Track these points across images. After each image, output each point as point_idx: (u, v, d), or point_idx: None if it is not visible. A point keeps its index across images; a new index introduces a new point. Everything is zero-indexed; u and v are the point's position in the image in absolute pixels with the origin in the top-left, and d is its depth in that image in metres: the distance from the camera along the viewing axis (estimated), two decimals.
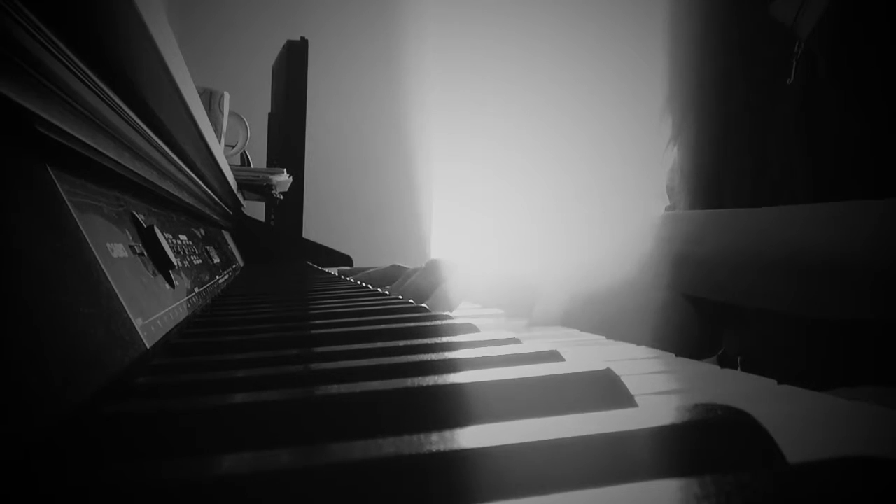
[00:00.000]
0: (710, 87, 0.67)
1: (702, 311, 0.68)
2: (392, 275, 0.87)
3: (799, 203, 0.57)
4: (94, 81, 0.32)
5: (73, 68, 0.29)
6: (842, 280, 0.46)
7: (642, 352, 0.36)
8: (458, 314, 0.60)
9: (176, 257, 0.47)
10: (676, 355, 0.35)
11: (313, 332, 0.38)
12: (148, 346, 0.30)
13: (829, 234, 0.47)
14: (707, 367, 0.32)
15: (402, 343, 0.31)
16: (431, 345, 0.31)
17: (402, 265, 0.89)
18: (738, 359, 0.70)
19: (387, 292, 0.65)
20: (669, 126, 0.72)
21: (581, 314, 0.57)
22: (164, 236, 0.45)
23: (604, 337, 0.43)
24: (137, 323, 0.30)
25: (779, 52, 0.61)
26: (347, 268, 0.97)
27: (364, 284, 0.77)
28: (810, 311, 0.50)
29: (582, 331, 0.48)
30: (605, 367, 0.22)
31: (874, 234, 0.45)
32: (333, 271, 1.09)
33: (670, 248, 0.53)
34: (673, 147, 0.72)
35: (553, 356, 0.26)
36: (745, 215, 0.52)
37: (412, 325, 0.38)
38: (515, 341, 0.31)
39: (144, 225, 0.42)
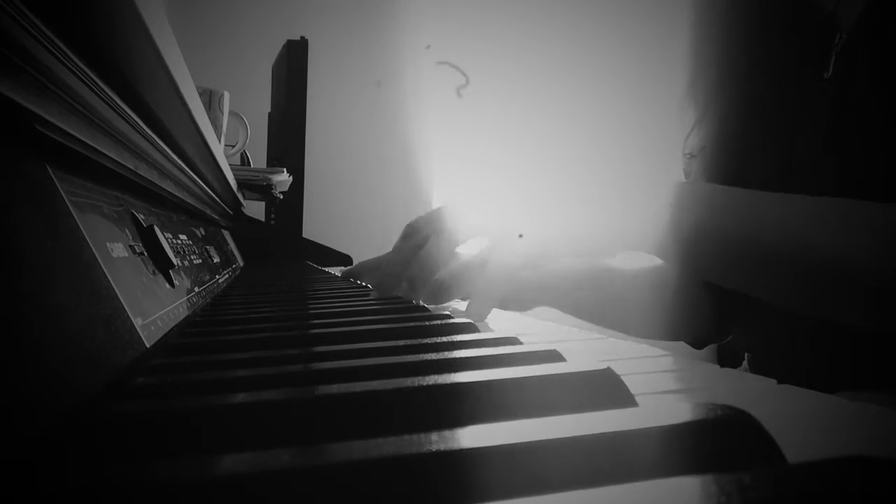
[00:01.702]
0: (738, 73, 0.63)
1: (712, 294, 0.66)
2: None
3: None
4: (94, 81, 0.31)
5: (73, 68, 0.29)
6: (842, 284, 0.44)
7: (642, 351, 0.36)
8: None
9: (176, 257, 0.47)
10: (688, 343, 0.35)
11: (313, 331, 0.38)
12: (148, 346, 0.30)
13: (837, 234, 0.45)
14: (708, 367, 0.32)
15: (401, 343, 0.31)
16: (431, 344, 0.31)
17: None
18: (746, 356, 0.69)
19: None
20: (691, 112, 0.68)
21: (554, 295, 0.55)
22: (164, 236, 0.45)
23: (603, 336, 0.43)
24: (137, 322, 0.30)
25: (816, 42, 0.57)
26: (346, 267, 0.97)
27: (364, 284, 0.77)
28: (808, 311, 0.49)
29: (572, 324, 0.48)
30: (605, 367, 0.22)
31: (880, 241, 0.43)
32: (334, 271, 1.09)
33: (684, 221, 0.50)
34: (695, 133, 0.68)
35: (553, 356, 0.26)
36: (755, 199, 0.49)
37: (412, 324, 0.38)
38: (516, 341, 0.31)
39: (144, 224, 0.42)
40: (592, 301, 0.64)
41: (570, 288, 0.61)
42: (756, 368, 0.67)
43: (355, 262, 1.43)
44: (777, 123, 0.60)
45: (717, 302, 0.67)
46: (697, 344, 0.73)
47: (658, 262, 0.63)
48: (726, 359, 0.74)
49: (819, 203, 0.47)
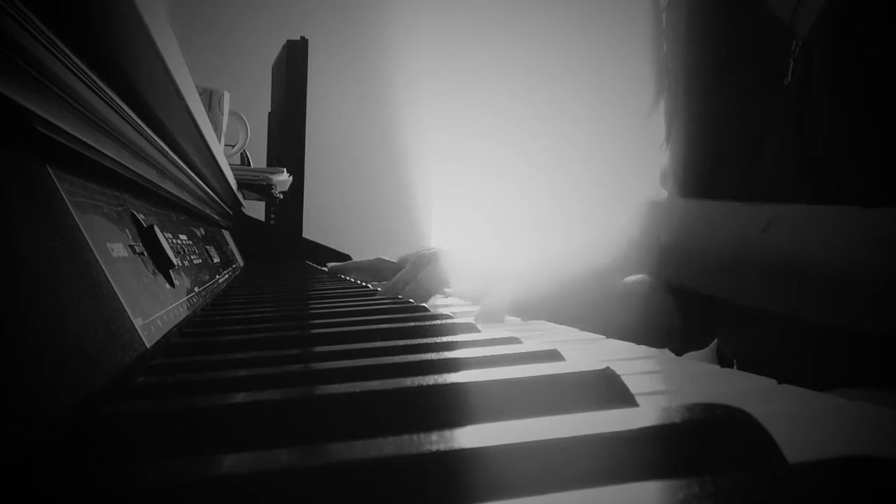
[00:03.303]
0: (699, 83, 0.64)
1: (689, 302, 0.67)
2: (376, 267, 0.89)
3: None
4: (94, 81, 0.31)
5: (73, 68, 0.29)
6: (841, 290, 0.44)
7: (642, 351, 0.36)
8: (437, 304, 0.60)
9: (176, 257, 0.47)
10: (665, 348, 0.36)
11: (313, 331, 0.38)
12: (148, 346, 0.30)
13: (828, 241, 0.45)
14: (706, 367, 0.32)
15: (401, 342, 0.31)
16: (431, 344, 0.31)
17: (385, 258, 0.90)
18: (735, 360, 0.69)
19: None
20: (662, 122, 0.70)
21: (540, 304, 0.57)
22: (164, 236, 0.45)
23: (602, 336, 0.43)
24: (137, 322, 0.30)
25: (775, 49, 0.58)
26: (337, 263, 1.00)
27: (363, 284, 0.77)
28: (808, 317, 0.49)
29: (568, 326, 0.48)
30: (605, 367, 0.22)
31: (876, 244, 0.44)
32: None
33: (657, 237, 0.52)
34: (667, 144, 0.70)
35: (553, 356, 0.26)
36: (737, 211, 0.50)
37: (412, 324, 0.38)
38: (516, 341, 0.31)
39: (144, 224, 0.42)
40: (581, 308, 0.66)
41: (556, 305, 0.63)
42: (745, 370, 0.67)
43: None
44: (743, 131, 0.61)
45: (692, 308, 0.68)
46: (677, 350, 0.73)
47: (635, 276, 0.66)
48: (723, 359, 0.74)
49: (806, 210, 0.48)
